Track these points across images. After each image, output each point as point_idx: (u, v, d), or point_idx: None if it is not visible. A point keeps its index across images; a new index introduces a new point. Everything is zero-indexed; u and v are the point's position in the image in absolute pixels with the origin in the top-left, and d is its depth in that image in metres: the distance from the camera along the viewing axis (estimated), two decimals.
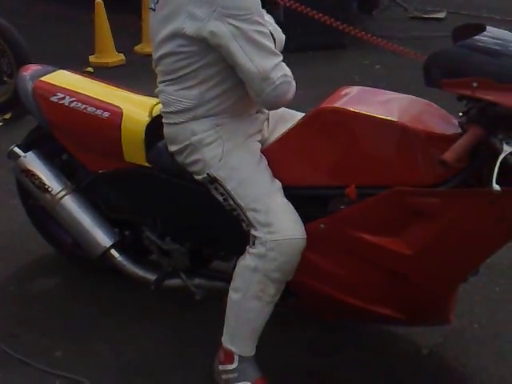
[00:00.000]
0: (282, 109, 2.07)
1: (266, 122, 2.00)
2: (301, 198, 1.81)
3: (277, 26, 1.93)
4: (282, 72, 1.72)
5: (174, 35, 1.73)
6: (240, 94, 1.81)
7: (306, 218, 1.77)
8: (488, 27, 1.67)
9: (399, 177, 1.68)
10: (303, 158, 1.81)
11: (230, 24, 1.65)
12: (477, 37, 1.62)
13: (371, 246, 1.72)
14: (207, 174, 1.83)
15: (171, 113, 1.86)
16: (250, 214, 1.77)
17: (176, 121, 1.85)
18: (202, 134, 1.82)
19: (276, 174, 1.82)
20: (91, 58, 5.22)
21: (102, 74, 4.70)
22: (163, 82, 1.86)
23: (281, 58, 1.74)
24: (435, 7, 6.28)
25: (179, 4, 1.69)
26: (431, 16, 6.02)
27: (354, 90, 1.93)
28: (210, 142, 1.82)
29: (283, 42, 1.93)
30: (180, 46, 1.74)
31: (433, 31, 5.33)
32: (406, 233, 1.69)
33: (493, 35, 1.65)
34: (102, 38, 5.21)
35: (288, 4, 4.59)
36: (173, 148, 1.90)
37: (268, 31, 1.73)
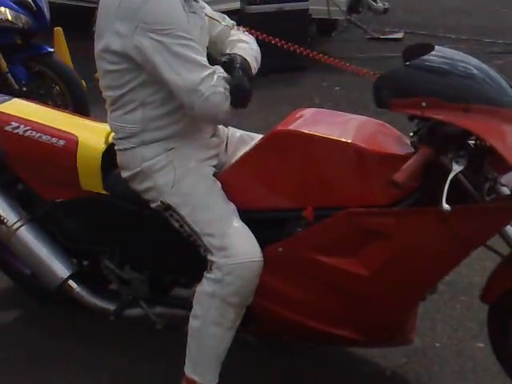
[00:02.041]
0: (241, 132, 2.08)
1: (224, 145, 2.01)
2: (259, 221, 1.80)
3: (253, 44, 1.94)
4: (212, 83, 1.69)
5: (104, 51, 1.76)
6: (188, 116, 1.80)
7: (264, 241, 1.77)
8: (437, 47, 1.70)
9: (355, 197, 1.70)
10: (260, 181, 1.82)
11: (153, 39, 1.67)
12: (425, 57, 1.65)
13: (328, 267, 1.73)
14: (161, 201, 1.82)
15: (120, 139, 1.86)
16: (205, 239, 1.76)
17: (126, 146, 1.85)
18: (152, 160, 1.82)
19: (233, 198, 1.81)
20: None
21: None
22: (109, 108, 1.87)
23: (211, 70, 1.71)
24: (393, 28, 6.42)
25: (106, 21, 1.74)
26: (389, 37, 6.15)
27: (308, 112, 1.95)
28: (160, 167, 1.82)
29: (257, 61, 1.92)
30: (111, 63, 1.76)
31: (391, 51, 5.44)
32: (363, 254, 1.70)
33: (441, 55, 1.68)
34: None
35: (248, 31, 4.66)
36: (125, 174, 1.89)
37: (196, 46, 1.70)
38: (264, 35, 1.87)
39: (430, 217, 1.62)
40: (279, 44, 1.92)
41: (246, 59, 1.83)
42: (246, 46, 1.92)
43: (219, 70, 1.75)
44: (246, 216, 1.79)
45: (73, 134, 2.06)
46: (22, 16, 3.74)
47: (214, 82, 1.70)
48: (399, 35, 6.21)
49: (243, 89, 1.75)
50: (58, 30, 5.12)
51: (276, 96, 4.68)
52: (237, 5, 5.45)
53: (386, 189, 1.65)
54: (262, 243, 1.77)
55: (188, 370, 1.82)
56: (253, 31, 1.97)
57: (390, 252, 1.67)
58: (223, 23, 1.99)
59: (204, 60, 1.73)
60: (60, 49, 5.13)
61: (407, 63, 1.65)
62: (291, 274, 1.78)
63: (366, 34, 6.23)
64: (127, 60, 1.73)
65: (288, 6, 5.30)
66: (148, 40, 1.67)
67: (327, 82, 5.00)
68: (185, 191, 1.79)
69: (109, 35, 1.73)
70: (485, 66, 1.69)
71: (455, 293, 2.46)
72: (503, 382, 1.97)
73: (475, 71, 1.64)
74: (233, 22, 2.03)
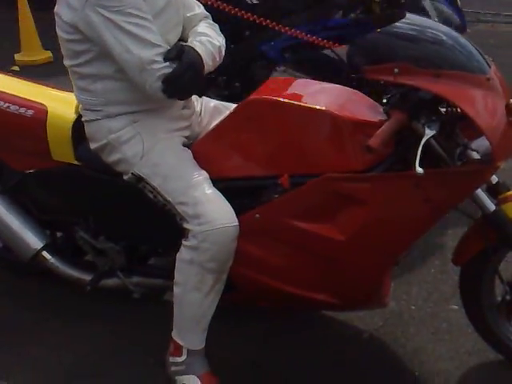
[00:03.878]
0: (216, 102, 2.07)
1: (198, 116, 2.00)
2: (235, 189, 1.81)
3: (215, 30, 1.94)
4: (163, 63, 1.67)
5: (58, 20, 1.74)
6: None
7: (241, 209, 1.78)
8: (408, 14, 1.71)
9: (330, 164, 1.71)
10: (235, 149, 1.81)
11: (102, 15, 1.65)
12: (397, 23, 1.66)
13: (305, 233, 1.75)
14: (131, 173, 1.82)
15: (86, 110, 1.85)
16: (179, 208, 1.76)
17: (92, 118, 1.84)
18: (118, 132, 1.81)
19: (208, 167, 1.81)
20: (17, 57, 5.06)
21: (30, 72, 4.56)
22: (72, 78, 1.85)
23: (163, 49, 1.69)
24: None
25: None
26: None
27: (282, 80, 1.96)
28: (127, 139, 1.81)
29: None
30: (66, 32, 1.75)
31: None
32: (338, 219, 1.72)
33: (412, 22, 1.70)
34: (27, 35, 5.05)
35: (221, 6, 4.63)
36: (93, 146, 1.88)
37: (148, 25, 1.67)
38: (236, 10, 1.86)
39: (403, 181, 1.65)
40: (251, 18, 1.91)
41: (199, 54, 1.77)
42: (206, 40, 1.86)
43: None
44: (223, 185, 1.79)
45: (42, 104, 2.02)
46: None
47: (166, 63, 1.68)
48: None
49: (180, 83, 1.70)
50: (22, 0, 5.00)
51: None
52: None
53: (360, 155, 1.67)
54: (240, 211, 1.77)
55: (174, 334, 1.85)
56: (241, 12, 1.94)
57: (365, 216, 1.69)
58: (197, 11, 1.96)
59: (156, 39, 1.69)
60: (24, 18, 5.01)
61: (378, 30, 1.66)
62: (268, 241, 1.79)
63: None
64: (79, 32, 1.72)
65: None
66: (97, 16, 1.65)
67: None
68: (154, 162, 1.79)
69: (61, 5, 1.72)
70: (454, 33, 1.71)
71: (429, 256, 2.51)
72: (475, 341, 2.04)
73: (445, 37, 1.66)
74: (207, 13, 1.99)
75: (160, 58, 1.68)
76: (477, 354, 2.04)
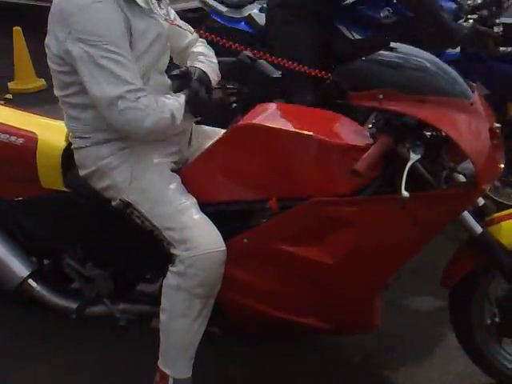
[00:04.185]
0: (206, 127, 2.09)
1: (187, 141, 2.02)
2: (224, 213, 1.81)
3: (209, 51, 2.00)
4: (132, 99, 1.68)
5: (48, 52, 1.78)
6: None
7: (229, 233, 1.78)
8: (392, 43, 1.75)
9: (318, 188, 1.73)
10: (224, 173, 1.83)
11: (81, 48, 1.68)
12: (381, 51, 1.70)
13: (293, 257, 1.75)
14: (120, 199, 1.83)
15: (75, 137, 1.87)
16: (166, 233, 1.77)
17: (81, 145, 1.86)
18: (107, 159, 1.83)
19: (197, 191, 1.82)
20: (11, 85, 5.09)
21: (23, 99, 4.59)
22: (62, 107, 1.88)
23: (134, 87, 1.69)
24: None
25: (50, 23, 1.76)
26: None
27: (270, 106, 1.98)
28: (116, 165, 1.83)
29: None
30: (55, 63, 1.78)
31: None
32: (327, 242, 1.73)
33: (395, 49, 1.74)
34: (21, 64, 5.09)
35: (210, 37, 4.70)
36: (82, 172, 1.89)
37: (124, 61, 1.68)
38: (218, 38, 1.92)
39: (390, 204, 1.66)
40: (239, 48, 1.96)
41: (204, 71, 1.89)
42: (205, 59, 1.97)
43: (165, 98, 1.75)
44: (211, 209, 1.80)
45: (32, 132, 2.04)
46: None
47: (134, 99, 1.68)
48: None
49: (201, 98, 1.82)
50: (17, 29, 5.05)
51: None
52: (198, 3, 5.45)
53: (347, 178, 1.69)
54: (229, 235, 1.78)
55: (160, 363, 1.83)
56: (213, 36, 2.00)
57: (353, 240, 1.71)
58: (190, 37, 2.02)
59: (132, 77, 1.69)
60: (19, 47, 5.06)
61: (363, 58, 1.70)
62: (257, 265, 1.79)
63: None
64: (67, 63, 1.75)
65: None
66: (77, 48, 1.69)
67: None
68: (142, 187, 1.80)
69: (50, 37, 1.76)
70: (438, 60, 1.75)
71: (419, 279, 2.50)
72: (466, 364, 2.03)
73: (428, 64, 1.70)
74: (200, 38, 2.06)
75: (130, 95, 1.68)
76: (468, 378, 2.03)
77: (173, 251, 1.76)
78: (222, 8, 3.15)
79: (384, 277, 1.81)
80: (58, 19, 1.72)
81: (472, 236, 1.77)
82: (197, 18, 5.56)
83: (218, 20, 3.19)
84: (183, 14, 5.85)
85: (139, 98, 1.70)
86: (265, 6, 3.07)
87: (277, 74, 2.81)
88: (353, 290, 1.78)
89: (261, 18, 3.03)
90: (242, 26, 3.06)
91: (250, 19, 3.05)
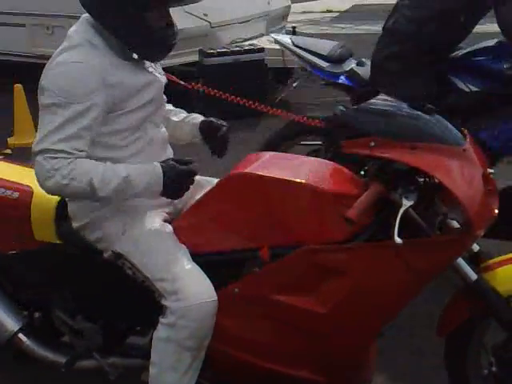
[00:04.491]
0: (198, 177, 2.10)
1: None
2: (216, 263, 1.80)
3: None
4: (44, 157, 1.67)
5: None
6: None
7: (222, 283, 1.76)
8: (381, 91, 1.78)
9: (310, 235, 1.72)
10: (215, 223, 1.82)
11: (42, 95, 1.73)
12: (371, 100, 1.73)
13: (285, 306, 1.72)
14: (112, 251, 1.82)
15: None
16: (157, 284, 1.74)
17: None
18: (100, 211, 1.83)
19: (189, 241, 1.81)
20: (10, 140, 5.15)
21: (22, 154, 4.62)
22: None
23: (59, 147, 1.68)
24: None
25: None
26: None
27: (262, 155, 1.99)
28: (109, 217, 1.83)
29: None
30: None
31: (344, 95, 5.60)
32: (320, 291, 1.70)
33: (386, 98, 1.76)
34: (21, 120, 5.16)
35: (207, 90, 4.80)
36: (75, 224, 1.89)
37: (74, 123, 1.68)
38: (220, 92, 1.95)
39: (383, 251, 1.65)
40: (236, 100, 2.01)
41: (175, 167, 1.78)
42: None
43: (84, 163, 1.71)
44: (203, 259, 1.78)
45: (28, 186, 2.04)
46: None
47: (46, 157, 1.67)
48: None
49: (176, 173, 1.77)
50: (18, 86, 5.15)
51: (235, 140, 4.70)
52: (195, 57, 5.58)
53: (340, 226, 1.67)
54: (221, 285, 1.76)
55: None
56: (210, 89, 2.05)
57: (346, 288, 1.68)
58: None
59: (70, 138, 1.68)
60: (19, 106, 5.14)
61: (354, 107, 1.72)
62: (248, 315, 1.76)
63: (320, 80, 6.40)
64: None
65: (244, 58, 5.44)
66: (43, 97, 1.73)
67: None
68: (134, 238, 1.79)
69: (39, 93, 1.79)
70: None
71: (415, 326, 2.46)
72: None
73: (420, 112, 1.71)
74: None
75: (48, 153, 1.67)
76: None
77: (164, 302, 1.73)
78: (323, 63, 3.17)
79: (378, 325, 1.77)
80: (44, 71, 1.77)
81: (467, 283, 1.74)
82: (193, 72, 5.71)
83: (319, 75, 3.20)
84: (180, 68, 6.02)
85: (55, 158, 1.68)
86: (363, 59, 3.10)
87: None
88: (347, 339, 1.73)
89: (363, 72, 3.03)
90: (343, 79, 3.07)
91: (352, 73, 3.04)
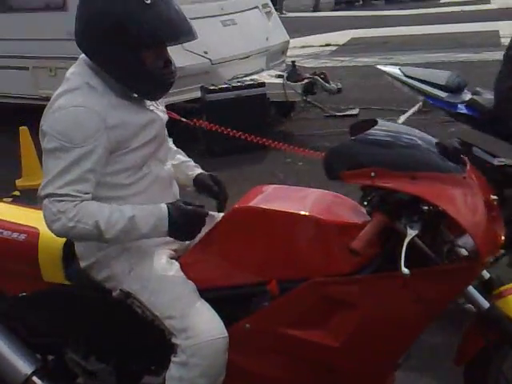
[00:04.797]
0: None
1: None
2: (224, 299, 1.80)
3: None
4: (51, 200, 1.70)
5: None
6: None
7: (231, 319, 1.76)
8: (380, 121, 1.79)
9: (318, 268, 1.72)
10: (222, 258, 1.83)
11: (44, 139, 1.75)
12: (369, 131, 1.74)
13: (298, 341, 1.71)
14: (120, 289, 1.82)
15: None
16: (167, 322, 1.74)
17: None
18: (107, 249, 1.83)
19: (196, 278, 1.81)
20: (18, 182, 5.20)
21: (30, 195, 4.66)
22: None
23: (64, 191, 1.70)
24: (348, 105, 6.68)
25: None
26: (345, 113, 6.39)
27: (266, 188, 2.00)
28: (116, 255, 1.83)
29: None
30: None
31: (348, 127, 5.64)
32: (331, 324, 1.70)
33: (384, 128, 1.78)
34: (28, 162, 5.22)
35: (209, 126, 4.86)
36: (83, 264, 1.90)
37: (76, 166, 1.70)
38: (222, 128, 1.96)
39: (390, 282, 1.64)
40: (238, 135, 2.02)
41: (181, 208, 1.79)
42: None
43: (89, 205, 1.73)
44: (212, 295, 1.79)
45: (34, 228, 2.06)
46: None
47: (52, 200, 1.70)
48: (355, 111, 6.45)
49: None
50: (24, 128, 5.22)
51: (241, 174, 4.77)
52: (197, 94, 5.65)
53: (346, 257, 1.68)
54: (230, 321, 1.75)
55: None
56: (212, 125, 2.06)
57: (357, 320, 1.67)
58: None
59: (74, 181, 1.70)
60: (26, 148, 5.20)
61: (353, 138, 1.73)
62: (261, 351, 1.75)
63: (323, 112, 6.47)
64: None
65: (246, 93, 5.49)
66: (45, 142, 1.75)
67: (290, 158, 5.12)
68: (142, 277, 1.79)
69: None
70: (429, 137, 1.77)
71: (433, 357, 2.43)
72: None
73: (419, 141, 1.72)
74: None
75: (55, 197, 1.70)
76: None
77: (174, 341, 1.73)
78: (442, 93, 3.12)
79: (393, 357, 1.76)
80: (44, 113, 1.80)
81: (480, 311, 1.73)
82: (196, 109, 5.78)
83: (437, 105, 3.16)
84: (183, 105, 6.09)
85: (61, 201, 1.70)
86: (477, 89, 3.08)
87: (497, 161, 2.75)
88: (362, 373, 1.72)
89: (483, 101, 3.00)
90: (463, 109, 3.03)
91: (473, 102, 3.01)
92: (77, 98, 1.74)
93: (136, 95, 1.85)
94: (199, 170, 2.08)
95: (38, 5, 6.21)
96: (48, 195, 1.72)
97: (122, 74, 1.78)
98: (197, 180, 2.05)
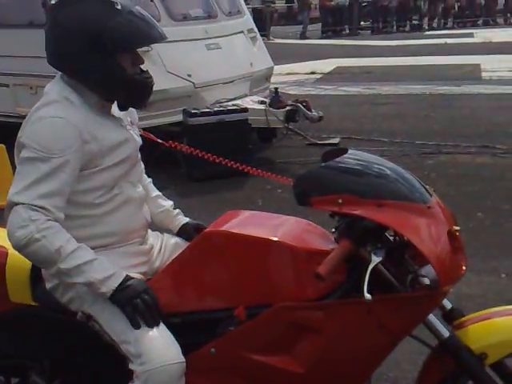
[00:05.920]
0: (177, 238, 2.11)
1: (158, 251, 2.02)
2: (191, 323, 1.79)
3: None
4: (25, 208, 1.68)
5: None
6: (105, 228, 1.82)
7: (196, 344, 1.75)
8: (351, 150, 1.83)
9: (284, 294, 1.73)
10: (190, 283, 1.83)
11: (21, 151, 1.76)
12: (339, 158, 1.77)
13: (263, 366, 1.71)
14: (81, 311, 1.80)
15: None
16: (123, 347, 1.72)
17: None
18: None
19: (164, 302, 1.80)
20: None
21: (1, 215, 4.61)
22: None
23: (41, 203, 1.68)
24: (330, 134, 6.77)
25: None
26: (326, 142, 6.46)
27: (238, 213, 2.02)
28: None
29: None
30: None
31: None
32: (296, 350, 1.70)
33: (354, 157, 1.81)
34: (2, 180, 5.17)
35: (190, 150, 4.88)
36: (48, 285, 1.88)
37: (54, 177, 1.70)
38: (203, 153, 1.98)
39: (354, 307, 1.66)
40: (217, 160, 2.03)
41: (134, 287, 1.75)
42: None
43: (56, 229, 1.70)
44: (178, 319, 1.78)
45: (2, 247, 2.04)
46: None
47: (26, 208, 1.68)
48: (335, 140, 6.53)
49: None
50: (1, 146, 5.18)
51: (220, 200, 4.78)
52: (179, 117, 5.69)
53: (313, 283, 1.69)
54: (196, 345, 1.75)
55: None
56: (193, 149, 2.07)
57: (321, 346, 1.68)
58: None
59: (49, 193, 1.69)
60: (2, 166, 5.15)
61: (323, 164, 1.76)
62: (226, 376, 1.75)
63: (304, 140, 6.53)
64: None
65: (228, 118, 5.54)
66: (22, 152, 1.75)
67: (270, 184, 5.15)
68: (102, 299, 1.76)
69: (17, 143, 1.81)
70: (398, 168, 1.80)
71: None
72: None
73: (388, 172, 1.75)
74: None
75: (29, 206, 1.68)
76: None
77: (130, 366, 1.70)
78: None
79: (355, 383, 1.76)
80: (21, 126, 1.80)
81: (440, 341, 1.75)
82: (178, 133, 5.81)
83: None
84: (165, 128, 6.10)
85: (36, 211, 1.68)
86: None
87: None
88: None
89: None
90: None
91: None
92: (55, 110, 1.75)
93: (115, 111, 1.86)
94: (185, 220, 2.13)
95: (20, 22, 6.17)
96: (22, 203, 1.69)
97: (105, 83, 1.80)
98: (182, 230, 2.09)
